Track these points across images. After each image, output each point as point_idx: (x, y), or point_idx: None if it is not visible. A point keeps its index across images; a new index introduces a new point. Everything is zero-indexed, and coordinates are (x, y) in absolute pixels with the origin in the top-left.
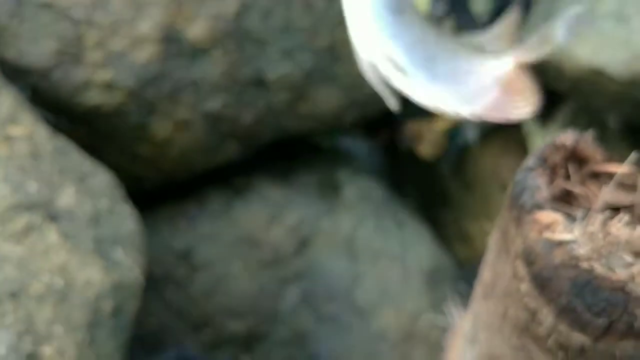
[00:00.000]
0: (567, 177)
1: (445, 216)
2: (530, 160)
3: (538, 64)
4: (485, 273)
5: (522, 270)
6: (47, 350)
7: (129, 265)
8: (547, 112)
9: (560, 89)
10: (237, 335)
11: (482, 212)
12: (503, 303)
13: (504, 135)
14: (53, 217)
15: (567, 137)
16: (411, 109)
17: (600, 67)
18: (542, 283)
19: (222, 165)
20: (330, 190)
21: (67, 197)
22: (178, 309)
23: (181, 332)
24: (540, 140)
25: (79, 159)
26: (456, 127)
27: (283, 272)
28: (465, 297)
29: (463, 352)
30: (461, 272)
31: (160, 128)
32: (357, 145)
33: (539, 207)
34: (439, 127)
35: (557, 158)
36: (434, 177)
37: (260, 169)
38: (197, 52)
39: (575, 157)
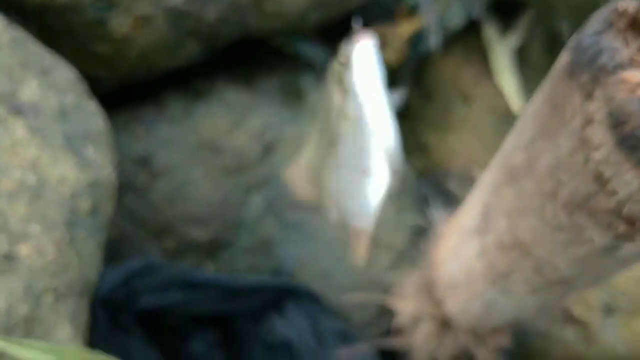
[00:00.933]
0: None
1: (404, 126)
2: (595, 25)
3: None
4: (515, 157)
5: (600, 136)
6: (24, 249)
7: (102, 163)
8: (507, 21)
9: None
10: (201, 243)
11: (441, 123)
12: (552, 181)
13: (464, 45)
14: (18, 110)
15: (629, 3)
16: (374, 15)
17: None
18: (633, 144)
19: (182, 68)
20: (294, 97)
21: (30, 91)
22: (138, 217)
23: (142, 241)
24: (500, 49)
25: (39, 52)
26: (419, 34)
27: (247, 179)
28: (431, 203)
29: (461, 246)
30: (422, 181)
31: (119, 24)
32: (317, 52)
33: (622, 67)
34: (403, 32)
35: (620, 24)
36: (392, 85)
37: (222, 72)
38: None
39: (635, 26)
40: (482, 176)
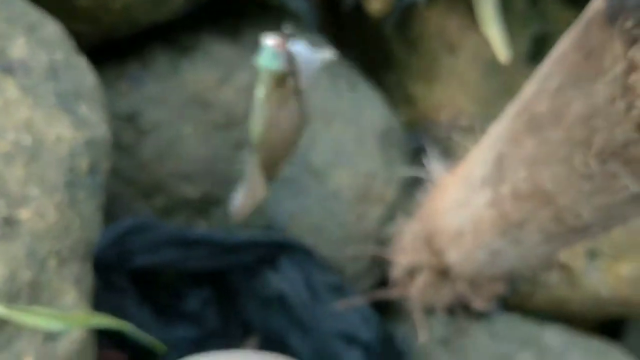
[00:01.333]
0: None
1: (389, 78)
2: None
3: None
4: (538, 105)
5: None
6: (24, 213)
7: (96, 121)
8: None
9: None
10: (191, 200)
11: (427, 74)
12: (584, 129)
13: None
14: (7, 69)
15: None
16: None
17: None
18: None
19: (167, 21)
20: None
21: (18, 48)
22: (127, 176)
23: (132, 200)
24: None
25: (23, 7)
26: None
27: (236, 135)
28: (419, 156)
29: (467, 196)
30: (411, 133)
31: None
32: (299, 4)
33: None
34: None
35: None
36: (377, 37)
37: (207, 26)
38: None
39: None
40: (495, 126)
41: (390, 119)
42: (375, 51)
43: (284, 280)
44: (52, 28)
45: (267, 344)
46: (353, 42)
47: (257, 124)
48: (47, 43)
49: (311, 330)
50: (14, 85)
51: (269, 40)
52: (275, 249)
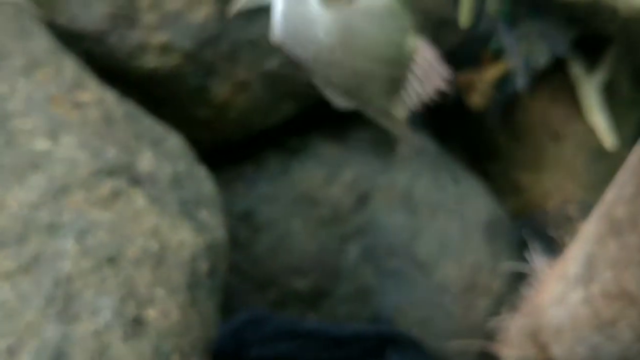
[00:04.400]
0: None
1: (494, 168)
2: None
3: (591, 6)
4: (617, 210)
5: None
6: (151, 313)
7: (216, 226)
8: (593, 57)
9: (608, 31)
10: (302, 293)
11: (533, 163)
12: None
13: (551, 84)
14: (136, 181)
15: None
16: (460, 61)
17: None
18: None
19: (277, 126)
20: (385, 147)
21: (146, 161)
22: (243, 270)
23: (248, 292)
24: (588, 86)
25: (150, 123)
26: (505, 76)
27: (343, 229)
28: (526, 247)
29: (565, 293)
30: (517, 224)
31: (219, 90)
32: None
33: None
34: (489, 76)
35: None
36: (480, 128)
37: (315, 128)
38: (253, 10)
39: None
40: (585, 225)
41: (495, 209)
42: (479, 142)
43: None
44: (175, 141)
45: None
46: (456, 135)
47: None
48: (171, 155)
49: None
50: (142, 195)
51: None
52: (383, 342)
